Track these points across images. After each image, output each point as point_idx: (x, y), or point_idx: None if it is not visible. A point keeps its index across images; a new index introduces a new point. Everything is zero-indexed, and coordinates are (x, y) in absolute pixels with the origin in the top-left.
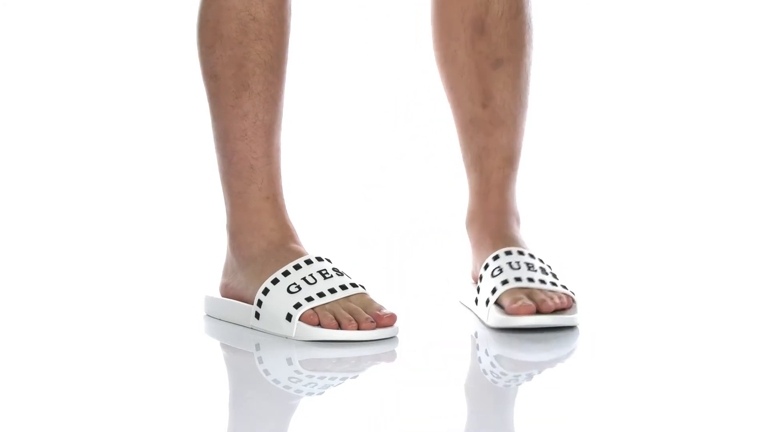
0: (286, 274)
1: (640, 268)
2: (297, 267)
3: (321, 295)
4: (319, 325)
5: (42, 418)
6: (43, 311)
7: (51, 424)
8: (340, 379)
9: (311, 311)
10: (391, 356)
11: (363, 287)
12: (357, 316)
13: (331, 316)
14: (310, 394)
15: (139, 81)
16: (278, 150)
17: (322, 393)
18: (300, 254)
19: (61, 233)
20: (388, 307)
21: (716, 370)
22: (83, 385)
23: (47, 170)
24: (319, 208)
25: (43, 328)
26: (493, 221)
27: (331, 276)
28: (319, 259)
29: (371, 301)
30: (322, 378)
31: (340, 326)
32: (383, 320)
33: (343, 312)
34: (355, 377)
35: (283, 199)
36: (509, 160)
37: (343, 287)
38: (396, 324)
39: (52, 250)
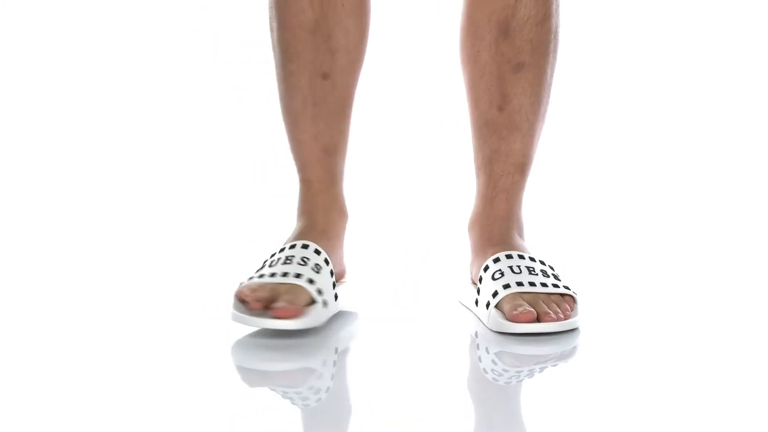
0: (272, 256)
1: (640, 268)
2: (281, 249)
3: (261, 276)
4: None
5: (41, 418)
6: (45, 312)
7: (46, 425)
8: (340, 380)
9: (241, 288)
10: (391, 356)
11: (310, 281)
12: (267, 300)
13: (246, 291)
14: (308, 392)
15: (141, 81)
16: (313, 137)
17: (322, 393)
18: (304, 239)
19: (65, 233)
20: (309, 308)
21: (717, 369)
22: (83, 386)
23: (49, 170)
24: None
25: (43, 329)
26: (495, 226)
27: (290, 263)
28: (304, 246)
29: (295, 292)
30: (320, 378)
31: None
32: (277, 311)
33: (259, 294)
34: (354, 378)
35: (319, 185)
36: (520, 167)
37: (285, 274)
38: (300, 319)
39: (56, 251)
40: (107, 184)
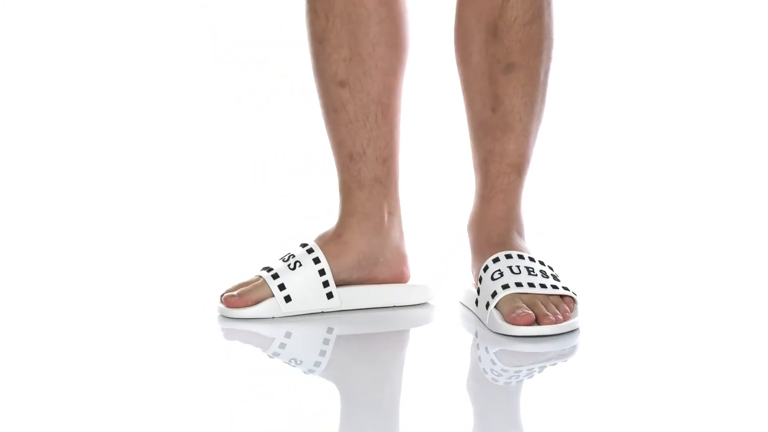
0: None
1: (641, 268)
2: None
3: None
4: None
5: (38, 421)
6: (44, 311)
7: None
8: (340, 379)
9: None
10: (392, 355)
11: (275, 276)
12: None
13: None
14: (308, 394)
15: (141, 81)
16: (337, 143)
17: (320, 393)
18: (314, 239)
19: (65, 234)
20: (265, 301)
21: (716, 368)
22: (83, 388)
23: (48, 170)
24: (324, 204)
25: (43, 328)
26: (493, 227)
27: (280, 259)
28: (302, 245)
29: (252, 289)
30: (324, 379)
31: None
32: (224, 300)
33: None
34: (352, 376)
35: (345, 188)
36: (516, 167)
37: (264, 267)
38: (245, 309)
39: (56, 252)
40: (107, 184)
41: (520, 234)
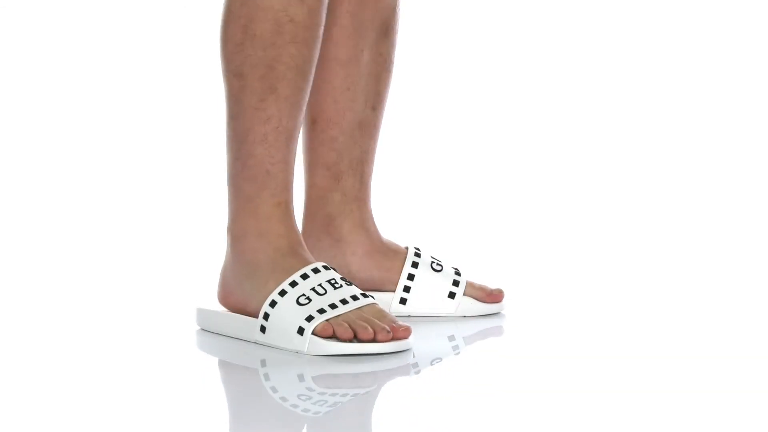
0: (293, 284)
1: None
2: (305, 276)
3: (333, 306)
4: (333, 336)
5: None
6: (31, 318)
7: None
8: (353, 395)
9: (325, 323)
10: (405, 370)
11: (372, 297)
12: (373, 325)
13: (346, 325)
14: (317, 413)
15: (141, 81)
16: (294, 156)
17: (332, 410)
18: (307, 262)
19: (55, 236)
20: (400, 321)
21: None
22: (68, 406)
23: (49, 170)
24: None
25: (27, 338)
26: (376, 231)
27: (341, 286)
28: (326, 267)
29: (384, 313)
30: (333, 395)
31: (356, 336)
32: (399, 332)
33: (359, 321)
34: (367, 393)
35: (292, 206)
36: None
37: (355, 297)
38: (411, 337)
39: (44, 254)
40: (106, 184)
41: None
